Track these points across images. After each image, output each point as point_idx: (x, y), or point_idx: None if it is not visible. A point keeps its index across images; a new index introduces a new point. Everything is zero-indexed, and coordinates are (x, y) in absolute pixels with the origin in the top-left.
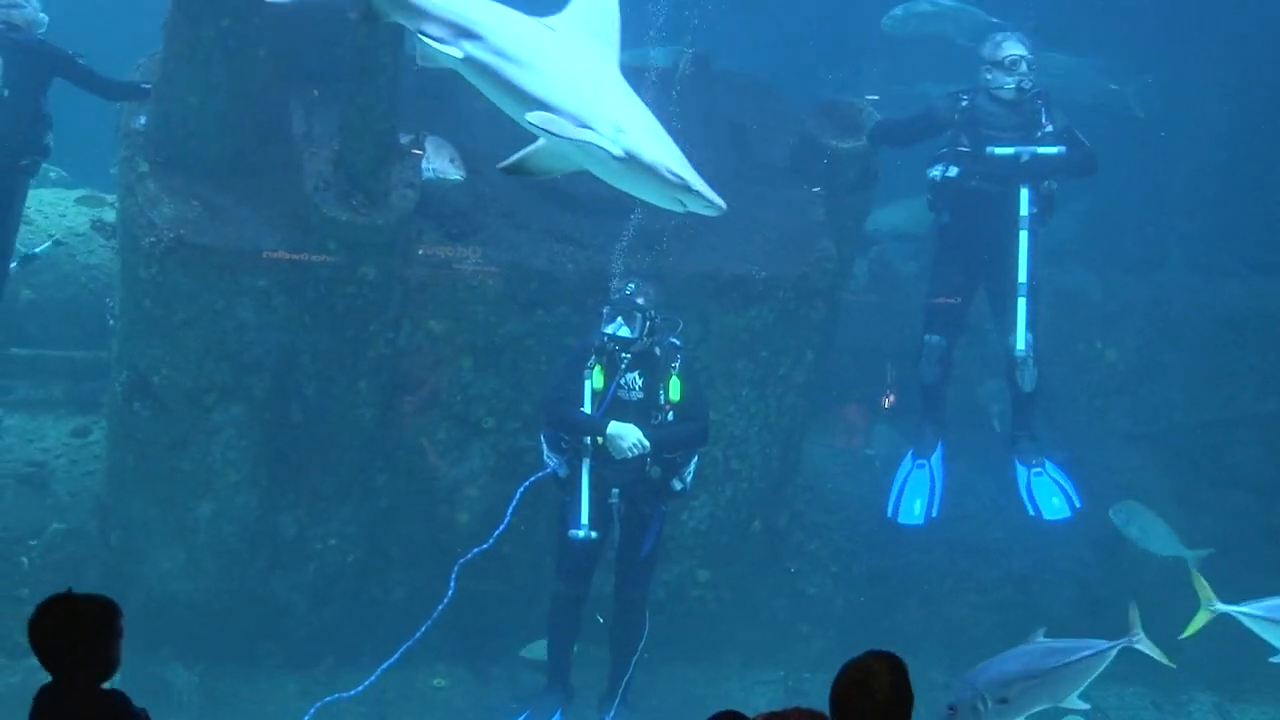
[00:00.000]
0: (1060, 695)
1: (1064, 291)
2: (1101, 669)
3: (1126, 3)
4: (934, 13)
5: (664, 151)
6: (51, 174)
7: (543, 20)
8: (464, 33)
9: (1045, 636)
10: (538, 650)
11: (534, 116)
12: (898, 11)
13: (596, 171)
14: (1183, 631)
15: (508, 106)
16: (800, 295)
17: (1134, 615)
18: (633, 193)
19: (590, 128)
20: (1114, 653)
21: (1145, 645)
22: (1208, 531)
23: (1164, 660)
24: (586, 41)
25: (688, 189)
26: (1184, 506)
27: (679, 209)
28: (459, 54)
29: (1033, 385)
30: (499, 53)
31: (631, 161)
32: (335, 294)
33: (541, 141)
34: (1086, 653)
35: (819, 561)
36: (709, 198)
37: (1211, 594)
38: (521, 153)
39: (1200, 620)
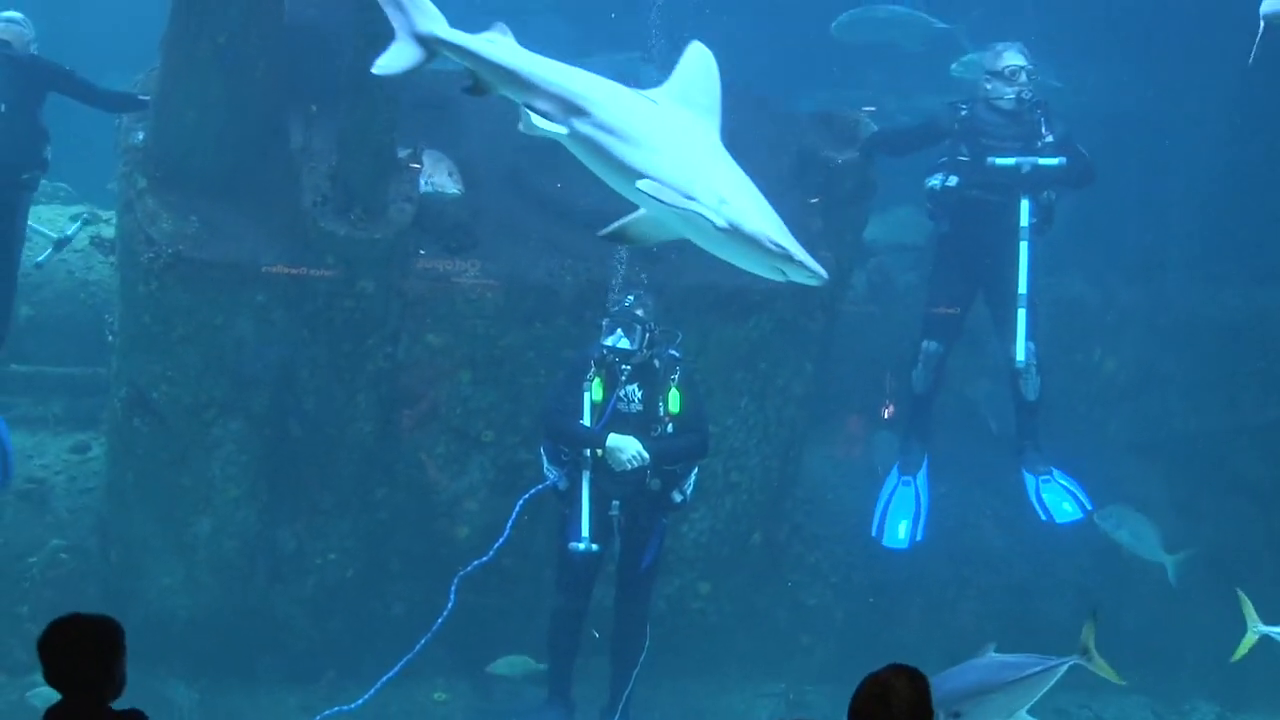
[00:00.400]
0: (1012, 710)
1: (1062, 301)
2: (1052, 684)
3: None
4: (882, 19)
5: (766, 222)
6: (61, 192)
7: (645, 93)
8: (570, 108)
9: (997, 651)
10: (505, 666)
11: (644, 184)
12: (844, 18)
13: (698, 240)
14: (1185, 640)
15: (612, 179)
16: (799, 307)
17: (1087, 633)
18: (733, 261)
19: (694, 199)
20: (1064, 668)
21: (1095, 663)
22: (1209, 540)
23: (1113, 679)
24: (688, 113)
25: (789, 259)
26: (1185, 515)
27: (780, 278)
28: (564, 130)
29: (1036, 394)
30: (604, 127)
31: (734, 232)
32: (334, 308)
33: (642, 211)
34: (1038, 668)
35: (819, 572)
36: (811, 267)
37: (1256, 616)
38: (622, 220)
39: (1248, 643)
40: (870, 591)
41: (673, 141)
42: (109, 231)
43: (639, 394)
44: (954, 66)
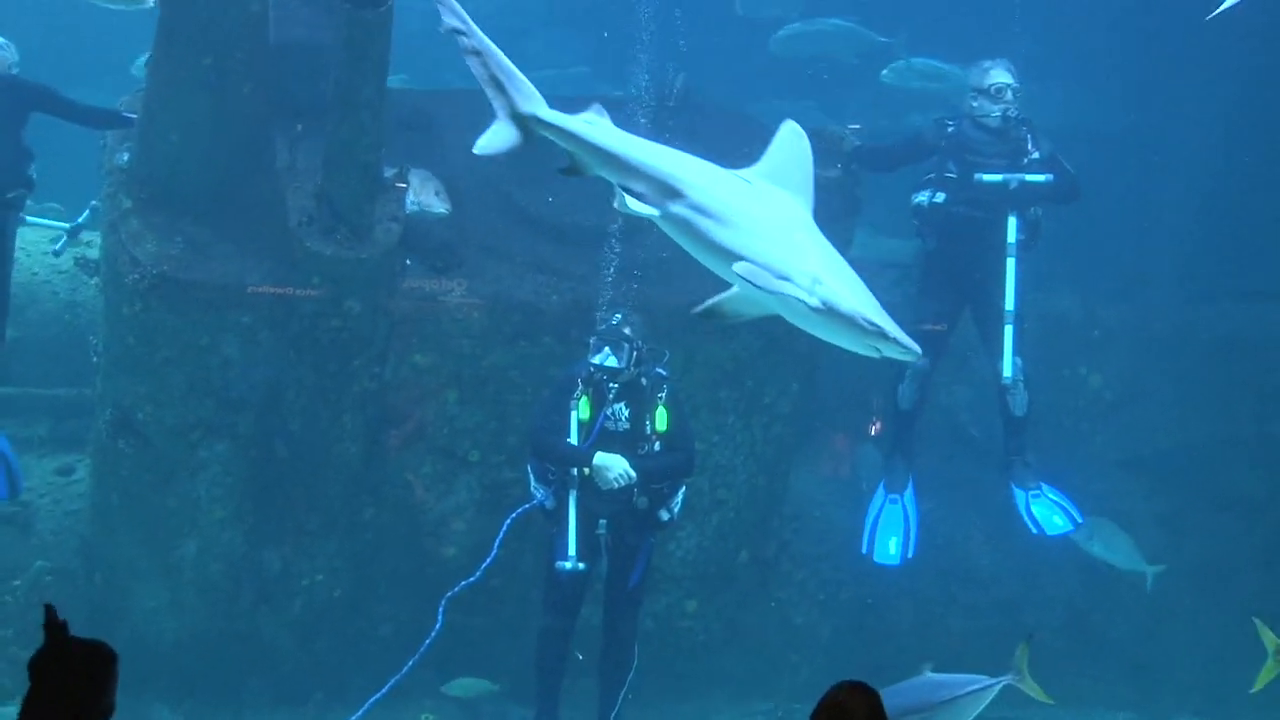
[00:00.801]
0: None
1: (1048, 316)
2: (985, 704)
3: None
4: (821, 33)
5: (860, 300)
6: (51, 212)
7: (738, 173)
8: (664, 189)
9: (933, 671)
10: (459, 688)
11: (739, 268)
12: (783, 33)
13: (790, 318)
14: (1172, 655)
15: (706, 260)
16: (785, 325)
17: (1020, 654)
18: (827, 338)
19: (788, 279)
20: (997, 689)
21: (1026, 683)
22: (1196, 556)
23: (1043, 699)
24: (781, 192)
25: (884, 336)
26: (1171, 531)
27: (874, 355)
28: (657, 212)
29: (1024, 410)
30: (698, 209)
31: (829, 312)
32: (320, 328)
33: (735, 288)
34: (972, 688)
35: (807, 590)
36: (905, 343)
37: (1278, 642)
38: (716, 298)
39: (1270, 671)
40: (858, 609)
41: (766, 222)
42: (94, 253)
43: (626, 412)
44: (884, 73)
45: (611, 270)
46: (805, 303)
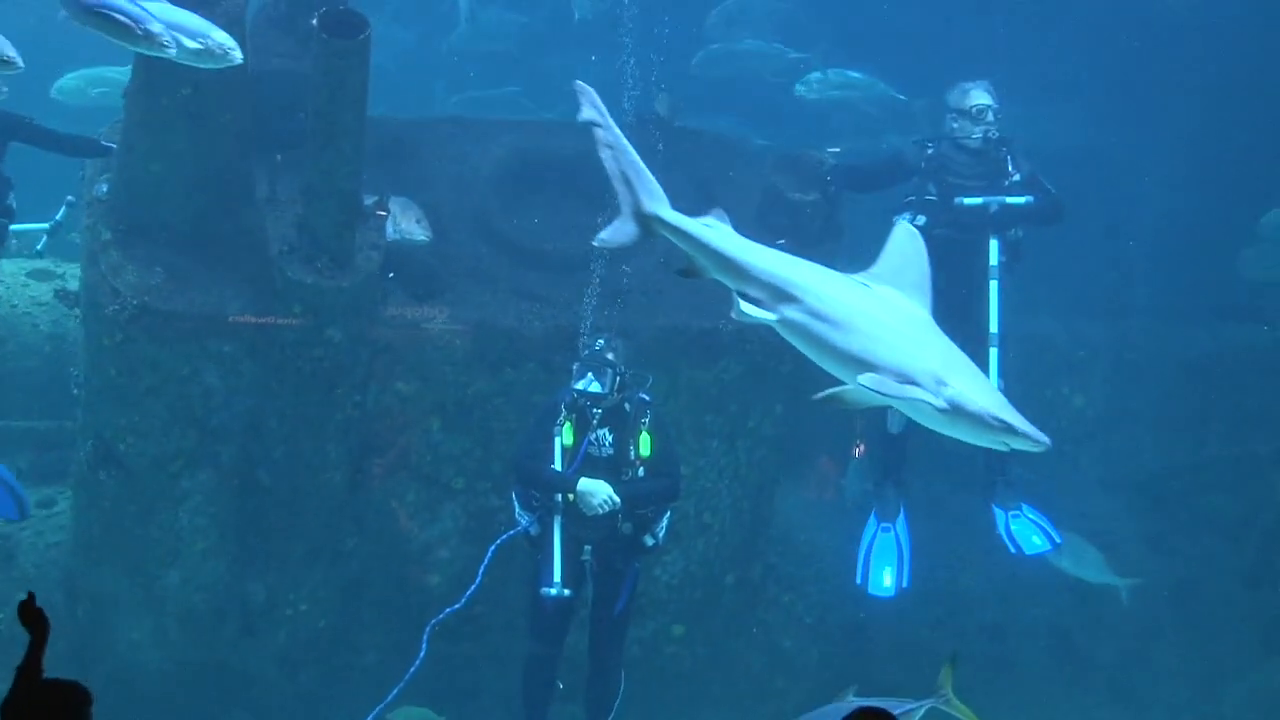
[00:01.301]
0: None
1: (1030, 338)
2: None
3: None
4: (740, 53)
5: (986, 398)
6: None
7: (856, 276)
8: (782, 295)
9: (856, 695)
10: (402, 717)
11: (865, 379)
12: (703, 54)
13: (916, 417)
14: (1158, 677)
15: (827, 364)
16: (768, 348)
17: (944, 675)
18: (953, 435)
19: (914, 381)
20: (921, 711)
21: (952, 704)
22: (1179, 576)
23: (970, 719)
24: (899, 294)
25: (1012, 431)
26: (1155, 551)
27: (1003, 449)
28: (774, 317)
29: None
30: (816, 314)
31: (956, 411)
32: (302, 357)
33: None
34: (896, 710)
35: (794, 614)
36: (1035, 436)
37: None
38: (836, 390)
39: None
40: (846, 633)
41: (886, 324)
42: (74, 284)
43: (610, 438)
44: (798, 86)
45: (594, 296)
46: (932, 405)
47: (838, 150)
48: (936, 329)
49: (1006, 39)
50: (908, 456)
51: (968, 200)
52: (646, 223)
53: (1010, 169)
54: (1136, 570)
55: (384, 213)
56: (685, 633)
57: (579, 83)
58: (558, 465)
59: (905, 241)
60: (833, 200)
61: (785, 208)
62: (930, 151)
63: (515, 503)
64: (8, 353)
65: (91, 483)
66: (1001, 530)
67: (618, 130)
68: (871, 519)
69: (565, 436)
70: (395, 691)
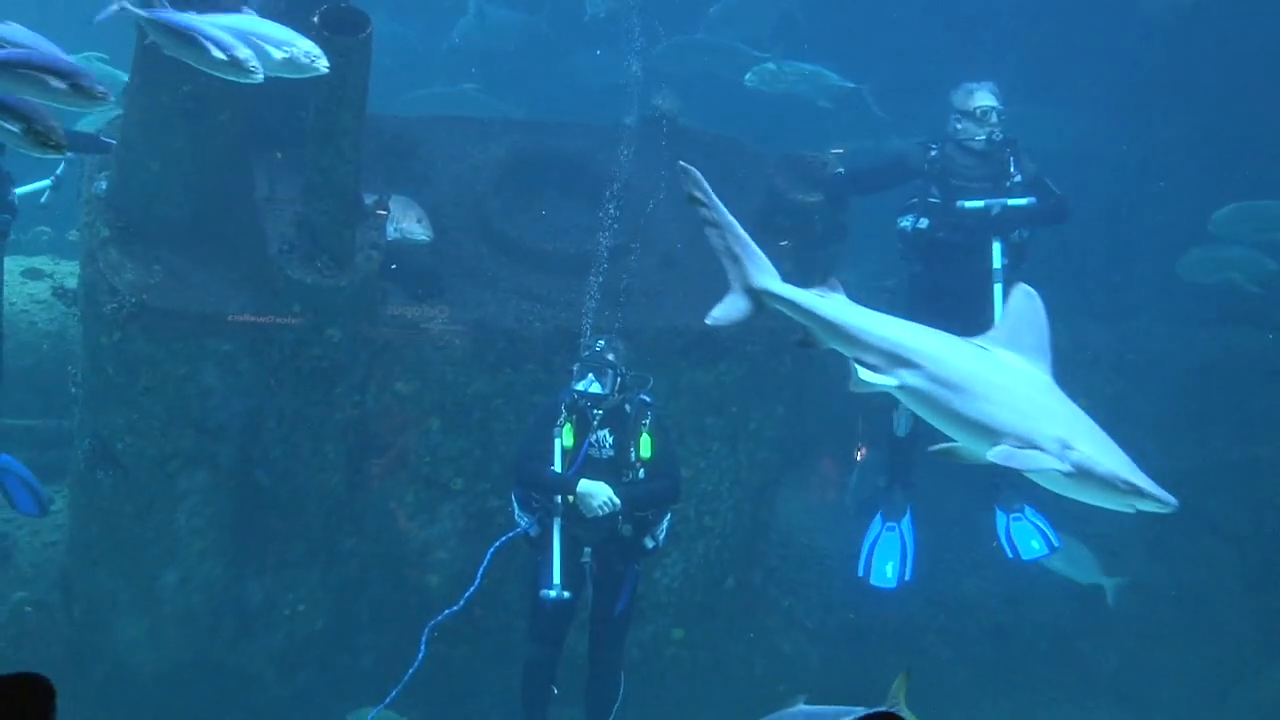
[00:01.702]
0: None
1: None
2: None
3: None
4: (701, 46)
5: (1112, 460)
6: (43, 235)
7: (975, 340)
8: (900, 361)
9: (806, 703)
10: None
11: (993, 454)
12: (665, 46)
13: (1043, 483)
14: (1160, 682)
15: (949, 430)
16: (769, 350)
17: (897, 686)
18: (1080, 499)
19: (1037, 446)
20: None
21: (903, 715)
22: (1182, 581)
23: None
24: (1019, 357)
25: (1140, 493)
26: (1158, 556)
27: (1130, 510)
28: (895, 383)
29: None
30: (936, 380)
31: (1083, 475)
32: (301, 357)
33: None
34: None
35: (795, 617)
36: (1162, 498)
37: None
38: (954, 445)
39: None
40: (847, 637)
41: (1007, 389)
42: (72, 283)
43: (610, 439)
44: (748, 76)
45: (595, 296)
46: (1059, 470)
47: (841, 151)
48: (1059, 391)
49: (1006, 40)
50: (917, 460)
51: (969, 203)
52: (758, 297)
53: (1013, 170)
54: (1139, 575)
55: (384, 212)
56: (685, 636)
57: (683, 163)
58: (558, 466)
59: (1023, 304)
60: (837, 202)
61: (788, 209)
62: (934, 153)
63: (515, 504)
64: (5, 350)
65: (89, 482)
66: (1001, 534)
67: (723, 208)
68: (877, 518)
69: (565, 438)
70: (394, 694)
